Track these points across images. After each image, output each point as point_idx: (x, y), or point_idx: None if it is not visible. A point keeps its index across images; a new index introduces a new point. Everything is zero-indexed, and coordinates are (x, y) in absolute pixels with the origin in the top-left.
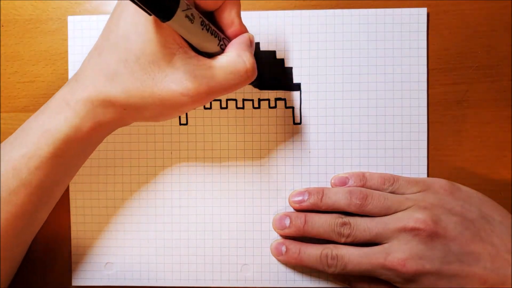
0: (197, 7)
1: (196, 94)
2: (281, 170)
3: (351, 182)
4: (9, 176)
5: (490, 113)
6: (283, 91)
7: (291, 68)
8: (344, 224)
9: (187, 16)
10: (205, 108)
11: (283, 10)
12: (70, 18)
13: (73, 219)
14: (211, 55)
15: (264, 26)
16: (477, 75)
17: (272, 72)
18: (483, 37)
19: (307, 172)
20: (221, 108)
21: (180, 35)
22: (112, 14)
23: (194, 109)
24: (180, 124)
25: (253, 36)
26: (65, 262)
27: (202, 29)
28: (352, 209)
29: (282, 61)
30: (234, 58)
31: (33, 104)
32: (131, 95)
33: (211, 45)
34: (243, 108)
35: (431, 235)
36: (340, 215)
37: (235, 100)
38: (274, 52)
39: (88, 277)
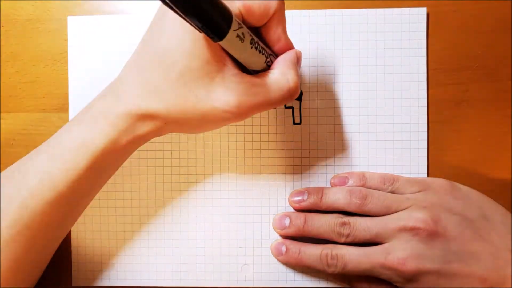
0: (244, 23)
1: (238, 111)
2: (281, 170)
3: (351, 182)
4: (46, 188)
5: (490, 113)
6: None
7: None
8: (344, 224)
9: (238, 36)
10: None
11: None
12: (70, 18)
13: None
14: (256, 72)
15: None
16: (477, 75)
17: None
18: (483, 37)
19: (307, 172)
20: None
21: (227, 52)
22: (152, 27)
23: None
24: None
25: (300, 53)
26: (65, 262)
27: (251, 47)
28: (351, 208)
29: None
30: (278, 77)
31: (34, 104)
32: (173, 110)
33: (259, 62)
34: None
35: (431, 234)
36: (340, 215)
37: None
38: None
39: (88, 277)
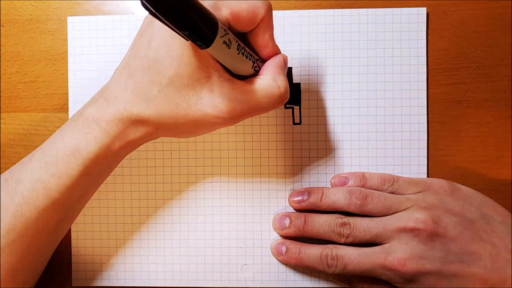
0: (231, 29)
1: (229, 117)
2: (281, 170)
3: (351, 182)
4: (39, 195)
5: (490, 113)
6: None
7: (291, 68)
8: (344, 224)
9: (224, 42)
10: None
11: (283, 10)
12: (70, 19)
13: None
14: (244, 77)
15: None
16: (477, 75)
17: None
18: (483, 37)
19: (307, 172)
20: None
21: (215, 58)
22: (141, 34)
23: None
24: None
25: (287, 57)
26: (65, 262)
27: (238, 53)
28: (352, 209)
29: None
30: (268, 82)
31: (34, 104)
32: (164, 116)
33: (246, 67)
34: None
35: (431, 235)
36: (340, 215)
37: None
38: None
39: (89, 278)
